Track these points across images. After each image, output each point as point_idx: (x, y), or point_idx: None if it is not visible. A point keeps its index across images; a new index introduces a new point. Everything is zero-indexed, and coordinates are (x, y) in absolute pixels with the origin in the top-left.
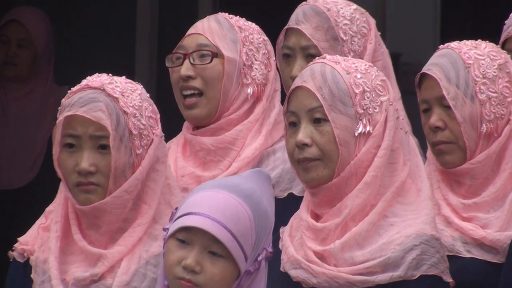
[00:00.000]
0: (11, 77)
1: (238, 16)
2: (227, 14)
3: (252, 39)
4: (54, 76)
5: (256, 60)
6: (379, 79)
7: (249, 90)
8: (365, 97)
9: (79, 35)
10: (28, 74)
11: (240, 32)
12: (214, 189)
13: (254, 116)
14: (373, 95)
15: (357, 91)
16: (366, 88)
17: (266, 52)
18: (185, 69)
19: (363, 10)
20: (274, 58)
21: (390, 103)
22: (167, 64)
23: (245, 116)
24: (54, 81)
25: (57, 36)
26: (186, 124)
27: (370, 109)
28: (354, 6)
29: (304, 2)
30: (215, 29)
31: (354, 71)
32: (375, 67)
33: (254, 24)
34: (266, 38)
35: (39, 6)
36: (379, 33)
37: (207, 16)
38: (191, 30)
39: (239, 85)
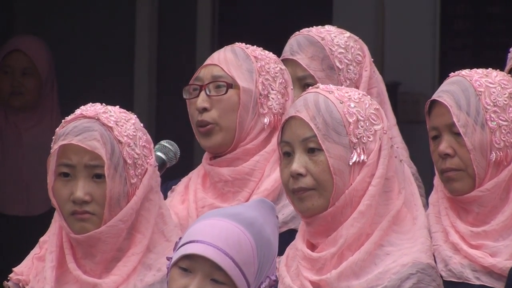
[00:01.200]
0: (19, 107)
1: (254, 46)
2: (244, 44)
3: (269, 68)
4: (60, 104)
5: (272, 89)
6: (372, 107)
7: (266, 120)
8: (359, 126)
9: (77, 63)
10: (35, 103)
11: (256, 62)
12: (216, 217)
13: (271, 146)
14: (367, 124)
15: (350, 120)
16: (359, 117)
17: (283, 81)
18: (201, 101)
19: (357, 38)
20: (292, 87)
21: (384, 131)
22: (184, 96)
23: (262, 146)
24: (60, 109)
25: (58, 65)
26: (205, 155)
27: (364, 138)
28: (348, 34)
29: (297, 32)
30: (230, 60)
31: (347, 100)
32: (368, 96)
33: (271, 53)
34: (283, 67)
35: (38, 34)
36: (373, 59)
37: (224, 47)
38: (208, 61)
39: (256, 115)
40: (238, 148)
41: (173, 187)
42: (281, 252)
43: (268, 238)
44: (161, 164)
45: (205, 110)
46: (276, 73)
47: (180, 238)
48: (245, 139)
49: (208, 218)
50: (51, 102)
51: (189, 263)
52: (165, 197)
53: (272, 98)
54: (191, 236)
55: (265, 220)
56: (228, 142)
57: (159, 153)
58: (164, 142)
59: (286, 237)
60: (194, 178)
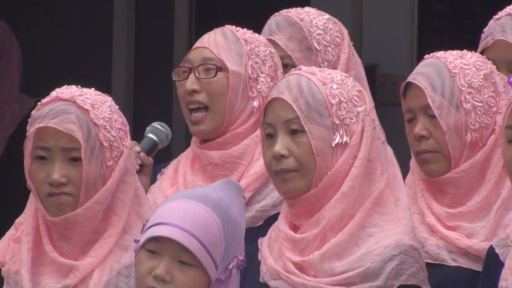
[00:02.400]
0: None
1: (245, 29)
2: (234, 27)
3: (258, 51)
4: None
5: (262, 72)
6: (355, 89)
7: (255, 103)
8: (342, 108)
9: (54, 47)
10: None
11: (246, 44)
12: (183, 199)
13: (259, 131)
14: (350, 106)
15: (333, 101)
16: (342, 99)
17: (272, 65)
18: (190, 83)
19: (336, 20)
20: (281, 70)
21: (367, 113)
22: (173, 78)
23: (252, 129)
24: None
25: (32, 47)
26: (194, 138)
27: (347, 120)
28: (327, 16)
29: (276, 13)
30: (220, 42)
31: (330, 82)
32: (351, 78)
33: (261, 36)
34: (273, 50)
35: (16, 16)
36: (352, 42)
37: (214, 29)
38: (197, 44)
39: (245, 98)
40: (228, 132)
41: (162, 170)
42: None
43: (234, 219)
44: (153, 145)
45: (194, 92)
46: (266, 56)
47: (147, 221)
48: (234, 122)
49: (175, 200)
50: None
51: (156, 245)
52: (154, 179)
53: (262, 82)
54: (158, 218)
55: (231, 201)
56: (218, 127)
57: (151, 135)
58: (156, 124)
59: (276, 220)
60: (183, 161)
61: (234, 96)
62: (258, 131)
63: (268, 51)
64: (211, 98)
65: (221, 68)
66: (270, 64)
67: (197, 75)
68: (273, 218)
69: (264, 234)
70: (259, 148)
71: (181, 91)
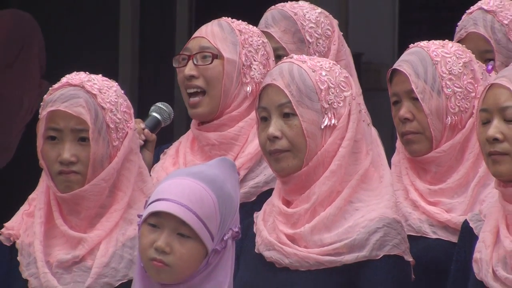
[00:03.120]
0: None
1: (240, 20)
2: (229, 18)
3: (252, 41)
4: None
5: (255, 60)
6: (342, 76)
7: (248, 88)
8: (330, 93)
9: (65, 35)
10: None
11: (240, 35)
12: (180, 176)
13: (254, 113)
14: (337, 91)
15: (322, 87)
16: (330, 85)
17: (265, 53)
18: (189, 69)
19: (327, 14)
20: (273, 59)
21: (353, 97)
22: (174, 65)
23: (246, 113)
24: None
25: (48, 38)
26: (193, 121)
27: (335, 104)
28: (319, 10)
29: (272, 7)
30: (216, 33)
31: (319, 69)
32: (338, 65)
33: (255, 27)
34: (265, 40)
35: (29, 7)
36: (342, 33)
37: (212, 21)
38: (196, 34)
39: (239, 84)
40: (223, 114)
41: (165, 150)
42: (260, 209)
43: (229, 193)
44: (156, 123)
45: (192, 77)
46: (259, 45)
47: (149, 197)
48: (229, 106)
49: (173, 178)
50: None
51: (157, 220)
52: (158, 159)
53: (255, 69)
54: (158, 194)
55: (225, 177)
56: (214, 109)
57: (155, 114)
58: (159, 104)
59: (268, 196)
60: (183, 142)
61: (229, 81)
62: (252, 114)
63: (260, 41)
64: (207, 83)
65: (217, 55)
66: (262, 52)
67: (195, 62)
68: (265, 194)
69: (257, 208)
70: (253, 130)
71: (181, 77)
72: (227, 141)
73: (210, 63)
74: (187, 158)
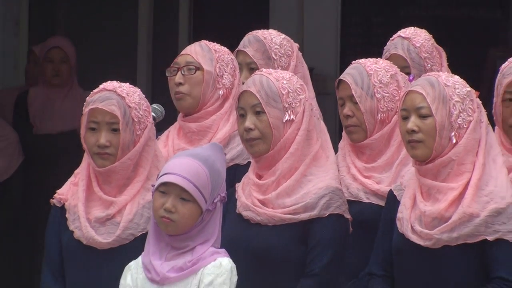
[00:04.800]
0: (57, 84)
1: (214, 43)
2: (207, 41)
3: (223, 58)
4: (83, 81)
5: (225, 72)
6: (298, 84)
7: (221, 92)
8: (289, 96)
9: (97, 56)
10: (67, 82)
11: (215, 53)
12: (182, 156)
13: (224, 109)
14: (295, 95)
15: (283, 92)
16: (289, 90)
17: (233, 67)
18: (178, 77)
19: (289, 39)
20: (238, 71)
21: (306, 99)
22: (167, 74)
23: (218, 109)
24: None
25: (81, 56)
26: (180, 115)
27: (293, 104)
28: (283, 36)
29: (249, 33)
30: (198, 51)
31: (281, 79)
32: (296, 76)
33: (225, 48)
34: (233, 57)
35: (70, 35)
36: (301, 53)
37: (194, 43)
38: (183, 52)
39: (214, 88)
40: (201, 110)
41: (158, 137)
42: (228, 178)
43: (218, 169)
44: (152, 118)
45: (180, 84)
46: (228, 61)
47: (159, 172)
48: (206, 104)
49: (177, 157)
50: (74, 81)
51: (165, 188)
52: None
53: (225, 78)
54: (166, 170)
55: (216, 157)
56: (195, 106)
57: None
58: (154, 105)
59: (233, 170)
60: (172, 130)
61: (206, 87)
62: (222, 110)
63: (230, 58)
64: (191, 88)
65: (198, 68)
66: (231, 66)
67: (182, 72)
68: (231, 168)
69: (226, 178)
70: (222, 122)
71: (171, 83)
72: (203, 129)
73: (194, 73)
74: (174, 142)
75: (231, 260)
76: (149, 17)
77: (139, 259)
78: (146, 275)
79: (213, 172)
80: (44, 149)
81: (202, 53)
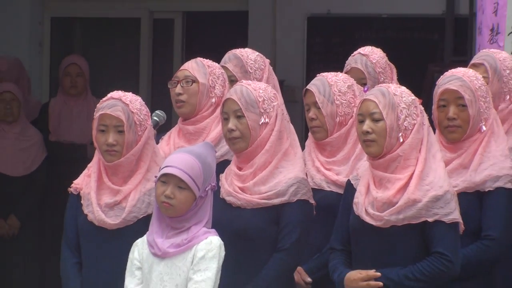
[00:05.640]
0: (74, 94)
1: (208, 59)
2: (202, 58)
3: (215, 72)
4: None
5: (217, 83)
6: (272, 93)
7: (213, 100)
8: (265, 103)
9: (106, 70)
10: (82, 92)
11: (208, 68)
12: (180, 152)
13: (216, 114)
14: (269, 102)
15: (260, 100)
16: (265, 98)
17: (223, 79)
18: (178, 89)
19: (262, 56)
20: (228, 82)
21: (279, 106)
22: (168, 86)
23: (211, 114)
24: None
25: (93, 70)
26: (179, 119)
27: (268, 109)
28: (257, 53)
29: (230, 51)
30: (194, 67)
31: (258, 89)
32: (270, 86)
33: (217, 63)
34: (223, 71)
35: (86, 52)
36: (272, 67)
37: (191, 60)
38: (182, 67)
39: (208, 97)
40: (197, 115)
41: (162, 137)
42: (219, 171)
43: (209, 163)
44: (156, 123)
45: (180, 94)
46: (219, 74)
47: (161, 165)
48: (201, 110)
49: (176, 153)
50: (88, 90)
51: (166, 178)
52: (158, 142)
53: (217, 88)
54: (166, 163)
55: (207, 153)
56: (192, 112)
57: (155, 117)
58: (157, 111)
59: (223, 164)
60: (173, 132)
61: (201, 96)
62: (214, 115)
63: (220, 72)
64: (189, 97)
65: (194, 81)
66: (221, 79)
67: (181, 85)
68: (221, 162)
69: (217, 170)
70: (214, 125)
71: (173, 94)
72: (199, 130)
73: (191, 85)
74: (175, 141)
75: (220, 239)
76: (149, 39)
77: (144, 237)
78: (150, 250)
79: (205, 165)
80: (58, 154)
81: (198, 68)
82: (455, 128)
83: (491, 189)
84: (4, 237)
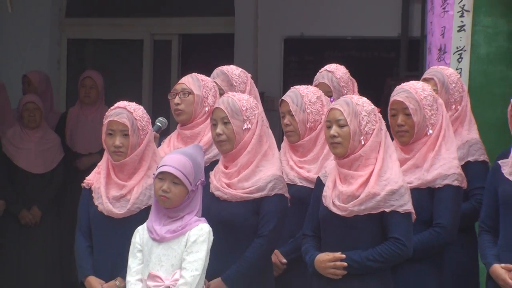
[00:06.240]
0: (88, 103)
1: (201, 74)
2: (196, 73)
3: (208, 85)
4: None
5: (209, 95)
6: (254, 102)
7: (206, 109)
8: (247, 111)
9: (114, 83)
10: (95, 102)
11: (202, 82)
12: (175, 153)
13: (209, 121)
14: (251, 110)
15: (244, 108)
16: (248, 107)
17: (214, 91)
18: (176, 100)
19: (245, 71)
20: (218, 94)
21: (259, 114)
22: (168, 97)
23: (205, 120)
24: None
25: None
26: (178, 125)
27: (250, 117)
28: (240, 69)
29: (218, 68)
30: (190, 81)
31: (242, 99)
32: (252, 97)
33: (209, 78)
34: (214, 84)
35: (97, 68)
36: (253, 80)
37: (188, 75)
38: (179, 81)
39: (202, 107)
40: (193, 122)
41: (164, 140)
42: (212, 170)
43: (199, 162)
44: (158, 128)
45: (178, 104)
46: (211, 87)
47: (158, 164)
48: (196, 117)
49: (171, 154)
50: (102, 100)
51: (162, 175)
52: (160, 144)
53: (209, 99)
54: (163, 162)
55: (197, 154)
56: (189, 119)
57: (157, 123)
58: (160, 118)
59: (214, 164)
60: (173, 135)
61: (197, 106)
62: (207, 122)
63: (212, 84)
64: (186, 107)
65: (190, 92)
66: (213, 90)
67: (179, 96)
68: (213, 162)
69: (209, 169)
70: (207, 130)
71: (172, 104)
72: (194, 135)
73: (187, 97)
74: (174, 144)
75: (209, 226)
76: (150, 58)
77: (145, 224)
78: (149, 236)
79: (195, 164)
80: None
81: (193, 82)
82: (403, 133)
83: (441, 185)
84: (28, 225)
